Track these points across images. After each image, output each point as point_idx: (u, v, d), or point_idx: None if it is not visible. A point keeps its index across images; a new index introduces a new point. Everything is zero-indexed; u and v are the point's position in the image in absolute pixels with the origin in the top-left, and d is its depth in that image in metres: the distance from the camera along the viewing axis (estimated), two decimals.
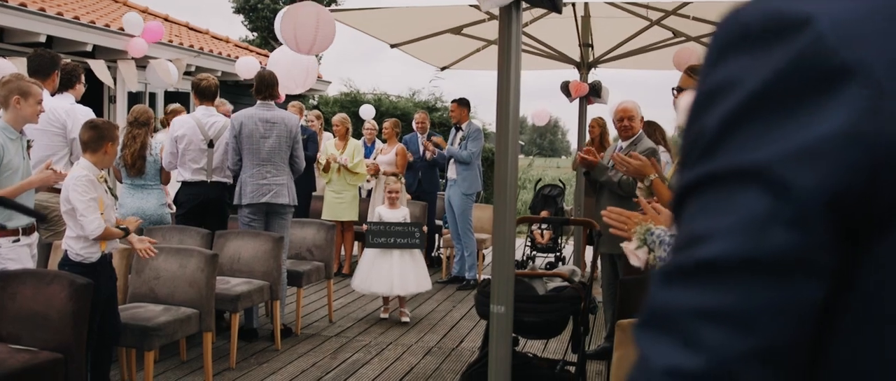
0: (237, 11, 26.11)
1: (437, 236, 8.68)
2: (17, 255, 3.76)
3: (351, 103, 12.55)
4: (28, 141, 3.94)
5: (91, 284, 3.44)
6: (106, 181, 3.75)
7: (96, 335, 3.71)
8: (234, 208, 5.53)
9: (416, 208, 7.55)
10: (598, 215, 5.49)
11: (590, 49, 7.43)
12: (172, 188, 5.72)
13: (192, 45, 8.92)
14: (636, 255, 2.21)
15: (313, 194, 7.88)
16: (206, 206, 5.43)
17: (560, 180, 9.56)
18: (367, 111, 11.21)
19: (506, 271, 2.90)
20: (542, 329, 3.34)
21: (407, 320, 6.10)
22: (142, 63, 8.06)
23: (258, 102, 5.39)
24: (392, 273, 5.87)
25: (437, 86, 17.20)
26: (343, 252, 8.14)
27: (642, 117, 5.28)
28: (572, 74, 7.69)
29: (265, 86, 5.37)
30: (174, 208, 5.64)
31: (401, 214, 6.17)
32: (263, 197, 5.28)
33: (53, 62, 4.69)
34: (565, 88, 7.35)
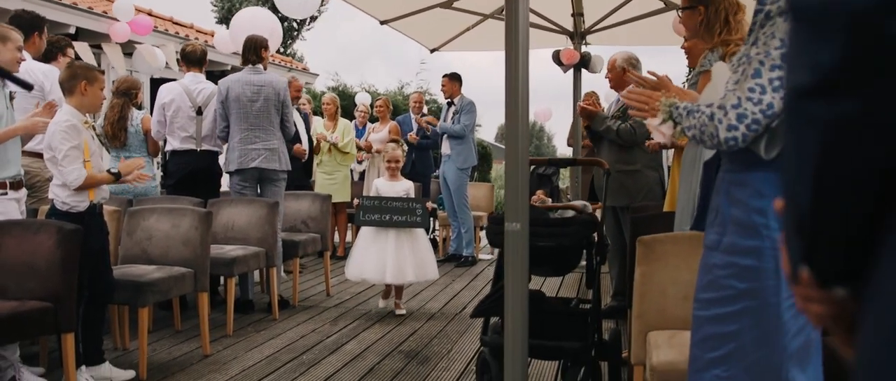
0: (220, 22, 26.01)
1: (432, 219, 8.54)
2: (3, 208, 3.58)
3: (339, 97, 12.41)
4: (11, 92, 3.77)
5: (79, 229, 3.26)
6: (93, 128, 3.59)
7: (88, 292, 3.53)
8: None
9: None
10: (599, 179, 5.37)
11: (581, 18, 7.35)
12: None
13: (177, 33, 8.76)
14: (661, 130, 2.08)
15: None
16: (196, 175, 5.27)
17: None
18: (362, 98, 11.10)
19: (520, 187, 2.76)
20: (557, 258, 3.19)
21: (401, 312, 5.27)
22: (128, 50, 7.90)
23: (246, 66, 5.24)
24: (385, 257, 5.03)
25: (423, 79, 17.08)
26: (337, 236, 7.98)
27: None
28: (562, 46, 7.60)
29: (252, 49, 5.23)
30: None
31: (402, 187, 5.27)
32: (252, 162, 5.12)
33: (34, 23, 4.52)
34: (556, 57, 7.25)
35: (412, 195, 5.30)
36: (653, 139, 4.56)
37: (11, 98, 3.77)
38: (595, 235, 3.29)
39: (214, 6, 25.41)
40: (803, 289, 0.69)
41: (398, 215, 5.06)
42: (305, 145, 6.67)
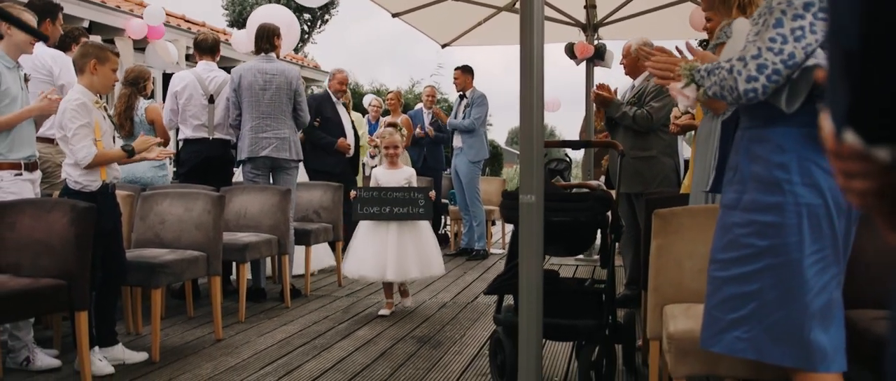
0: (231, 25, 26.13)
1: (443, 216, 8.52)
2: (18, 189, 3.58)
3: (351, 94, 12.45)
4: (25, 74, 3.78)
5: (93, 207, 3.26)
6: (105, 109, 3.59)
7: (101, 273, 3.53)
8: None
9: (421, 183, 7.36)
10: (614, 167, 5.33)
11: (594, 11, 7.33)
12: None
13: (190, 28, 8.80)
14: (684, 94, 2.06)
15: None
16: (208, 164, 5.27)
17: (566, 155, 9.44)
18: (371, 98, 11.11)
19: (535, 160, 2.73)
20: (572, 234, 3.16)
21: (408, 304, 5.05)
22: (139, 45, 7.94)
23: (259, 54, 5.25)
24: (386, 253, 4.67)
25: (437, 82, 16.97)
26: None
27: None
28: (575, 39, 7.58)
29: (264, 37, 5.23)
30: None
31: (403, 175, 4.91)
32: (263, 150, 5.12)
33: (47, 9, 4.52)
34: (570, 50, 7.23)
35: (414, 183, 4.94)
36: (675, 108, 4.51)
37: (26, 80, 3.79)
38: (609, 213, 3.26)
39: (225, 9, 25.54)
40: (845, 162, 0.66)
41: (399, 207, 4.70)
42: (350, 140, 6.64)
